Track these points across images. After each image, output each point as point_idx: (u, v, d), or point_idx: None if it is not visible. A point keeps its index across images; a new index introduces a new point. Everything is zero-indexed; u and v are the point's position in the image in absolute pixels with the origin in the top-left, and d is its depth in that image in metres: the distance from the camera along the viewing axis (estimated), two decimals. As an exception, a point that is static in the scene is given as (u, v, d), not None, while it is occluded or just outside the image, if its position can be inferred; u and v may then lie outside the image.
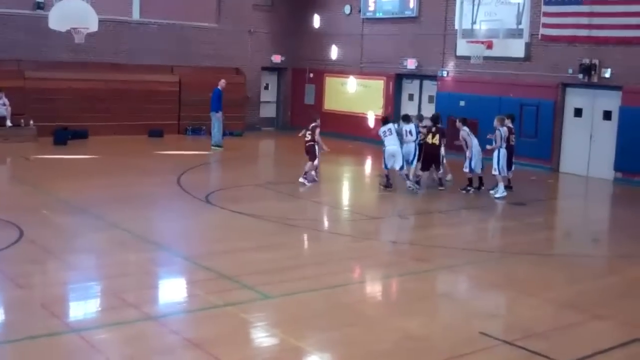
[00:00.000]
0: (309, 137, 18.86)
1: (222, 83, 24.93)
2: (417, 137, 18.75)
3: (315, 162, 18.80)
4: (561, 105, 22.91)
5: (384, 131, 18.71)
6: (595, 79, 21.73)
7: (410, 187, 18.28)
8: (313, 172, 18.86)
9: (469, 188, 18.53)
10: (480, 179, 18.78)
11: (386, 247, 13.37)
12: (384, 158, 18.51)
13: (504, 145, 18.10)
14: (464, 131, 18.63)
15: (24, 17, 25.70)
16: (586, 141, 22.29)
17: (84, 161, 21.75)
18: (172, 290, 10.69)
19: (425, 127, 19.27)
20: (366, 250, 13.11)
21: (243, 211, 15.31)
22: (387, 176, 18.62)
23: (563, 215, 18.41)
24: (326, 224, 15.50)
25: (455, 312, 10.05)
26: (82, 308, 9.59)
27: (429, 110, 26.39)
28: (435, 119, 19.23)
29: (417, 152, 18.80)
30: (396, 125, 19.08)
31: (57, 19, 21.99)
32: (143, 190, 17.41)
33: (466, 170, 18.56)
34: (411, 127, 18.86)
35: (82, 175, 19.13)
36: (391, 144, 18.40)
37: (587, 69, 21.71)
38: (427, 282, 11.33)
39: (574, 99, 22.73)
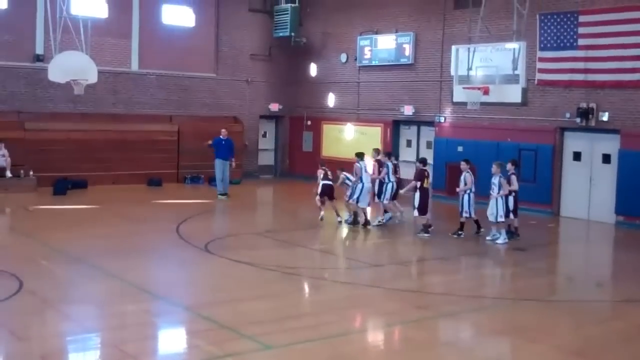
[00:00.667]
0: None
1: (223, 132, 24.95)
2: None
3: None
4: (560, 149, 22.96)
5: (363, 167, 19.57)
6: (593, 123, 21.82)
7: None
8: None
9: (460, 233, 18.54)
10: (477, 222, 18.76)
11: (387, 295, 13.26)
12: (360, 195, 19.36)
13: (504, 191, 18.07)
14: (468, 173, 18.65)
15: (24, 69, 25.93)
16: (586, 185, 22.30)
17: (83, 211, 21.71)
18: (172, 341, 10.59)
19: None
20: (366, 299, 13.01)
21: (242, 260, 15.24)
22: (355, 213, 19.62)
23: (565, 260, 18.31)
24: (325, 271, 15.41)
25: (459, 360, 9.95)
26: (82, 360, 9.50)
27: (429, 156, 26.53)
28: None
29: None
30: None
31: (57, 71, 22.23)
32: (142, 239, 17.35)
33: (467, 215, 18.53)
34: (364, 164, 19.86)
35: (81, 225, 19.09)
36: (367, 181, 19.55)
37: (585, 113, 21.81)
38: (429, 331, 11.21)
39: (573, 142, 22.80)
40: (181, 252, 16.23)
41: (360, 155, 20.12)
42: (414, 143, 28.07)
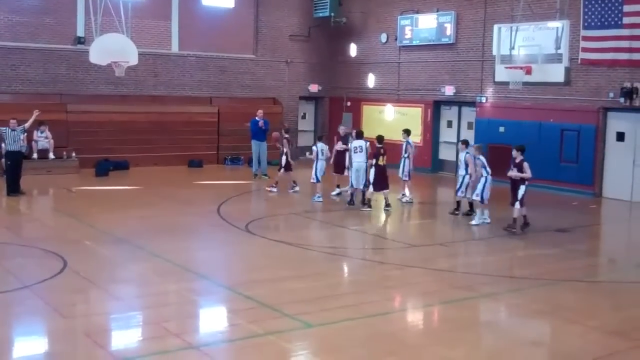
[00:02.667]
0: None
1: (259, 113, 25.17)
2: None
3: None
4: (603, 129, 22.65)
5: (356, 147, 19.61)
6: (637, 103, 21.47)
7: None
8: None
9: (456, 212, 18.78)
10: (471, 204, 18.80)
11: (425, 275, 13.23)
12: (352, 175, 19.61)
13: (488, 173, 17.69)
14: (469, 154, 18.49)
15: (65, 51, 26.21)
16: (629, 165, 21.99)
17: (125, 192, 21.96)
18: (214, 320, 10.71)
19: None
20: (405, 278, 13.01)
21: (282, 240, 15.34)
22: (352, 194, 19.75)
23: (606, 241, 18.13)
24: (365, 251, 15.42)
25: (499, 341, 9.91)
26: (125, 337, 9.63)
27: (470, 137, 26.37)
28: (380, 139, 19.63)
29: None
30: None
31: (98, 53, 22.41)
32: (184, 220, 17.51)
33: (462, 195, 18.68)
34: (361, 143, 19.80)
35: (123, 206, 19.33)
36: (360, 160, 19.46)
37: (629, 93, 21.47)
38: (469, 311, 11.19)
39: (616, 123, 22.48)
40: (222, 232, 16.37)
41: (360, 134, 20.56)
42: (454, 124, 27.87)
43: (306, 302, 10.95)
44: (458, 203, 18.84)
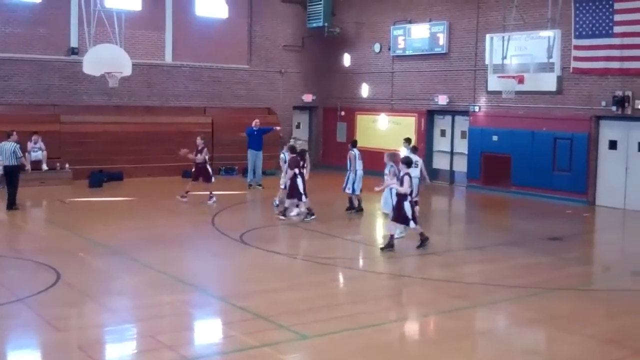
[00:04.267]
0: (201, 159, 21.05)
1: (256, 122, 25.14)
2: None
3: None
4: (595, 138, 22.71)
5: (356, 155, 19.92)
6: (629, 111, 21.56)
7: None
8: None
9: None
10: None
11: (421, 285, 13.22)
12: (355, 182, 19.74)
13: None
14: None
15: (59, 62, 26.20)
16: (622, 173, 22.04)
17: (119, 203, 21.92)
18: (208, 332, 10.67)
19: None
20: (401, 288, 13.00)
21: (277, 250, 15.33)
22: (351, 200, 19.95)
23: (600, 249, 18.13)
24: (360, 261, 15.40)
25: (496, 350, 9.90)
26: (119, 350, 9.58)
27: (463, 146, 26.47)
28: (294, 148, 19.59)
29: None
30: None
31: (91, 64, 22.39)
32: (177, 231, 17.48)
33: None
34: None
35: (117, 217, 19.28)
36: (360, 168, 19.94)
37: (621, 101, 21.55)
38: (465, 320, 11.18)
39: (608, 131, 22.54)
40: (217, 243, 16.34)
41: (353, 144, 20.65)
42: (448, 133, 27.92)
43: (301, 313, 10.92)
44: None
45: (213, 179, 21.60)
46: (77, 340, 9.76)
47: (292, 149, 19.30)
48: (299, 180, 18.70)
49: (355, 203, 20.13)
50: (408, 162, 15.54)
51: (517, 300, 12.19)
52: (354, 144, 20.70)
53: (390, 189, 16.48)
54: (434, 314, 11.45)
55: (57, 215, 19.98)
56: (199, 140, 21.66)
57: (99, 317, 10.96)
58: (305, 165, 19.31)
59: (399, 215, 15.32)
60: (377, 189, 16.67)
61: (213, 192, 21.32)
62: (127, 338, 10.09)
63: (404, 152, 19.65)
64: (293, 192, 18.72)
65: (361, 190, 20.16)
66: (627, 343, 10.09)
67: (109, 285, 12.76)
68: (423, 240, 15.64)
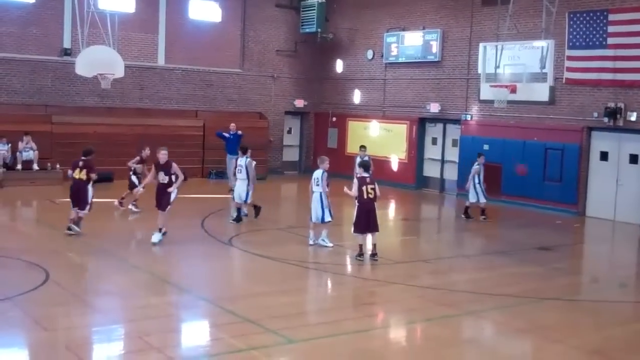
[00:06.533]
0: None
1: (232, 126, 25.53)
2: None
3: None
4: (587, 148, 22.79)
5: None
6: (620, 123, 21.64)
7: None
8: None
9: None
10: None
11: (409, 292, 13.22)
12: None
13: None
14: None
15: (51, 63, 26.16)
16: (612, 185, 22.12)
17: (109, 204, 21.83)
18: (196, 334, 10.66)
19: None
20: (389, 295, 13.00)
21: (266, 254, 15.30)
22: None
23: (589, 260, 18.19)
24: (348, 267, 15.40)
25: (481, 359, 9.91)
26: (106, 351, 9.56)
27: (454, 154, 26.52)
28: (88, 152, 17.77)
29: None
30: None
31: (84, 65, 22.37)
32: (168, 233, 17.42)
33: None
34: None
35: (107, 218, 19.22)
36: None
37: (613, 113, 21.64)
38: (452, 328, 11.19)
39: (600, 142, 22.62)
40: (206, 246, 16.33)
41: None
42: (439, 141, 27.97)
43: (289, 317, 10.93)
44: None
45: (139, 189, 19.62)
46: (64, 340, 9.74)
47: (365, 166, 16.09)
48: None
49: None
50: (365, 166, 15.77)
51: (504, 309, 12.21)
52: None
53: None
54: (421, 321, 11.45)
55: (47, 215, 19.92)
56: (147, 151, 20.36)
57: (87, 317, 10.93)
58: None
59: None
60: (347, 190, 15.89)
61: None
62: (114, 338, 10.05)
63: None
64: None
65: None
66: (613, 354, 10.12)
67: (97, 286, 12.75)
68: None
